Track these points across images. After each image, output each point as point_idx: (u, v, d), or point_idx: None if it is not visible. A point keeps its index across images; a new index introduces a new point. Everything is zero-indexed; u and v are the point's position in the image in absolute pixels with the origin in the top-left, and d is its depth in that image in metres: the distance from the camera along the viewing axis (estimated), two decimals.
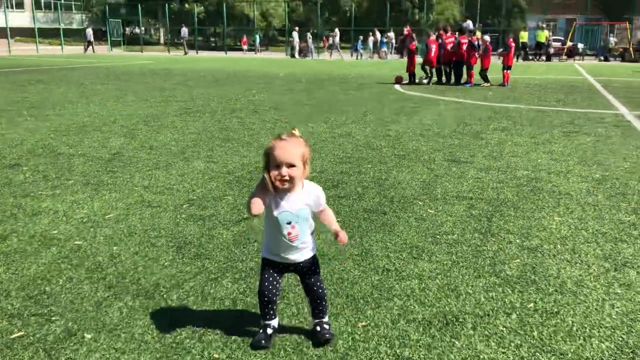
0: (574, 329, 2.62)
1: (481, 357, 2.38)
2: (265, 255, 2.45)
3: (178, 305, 2.80)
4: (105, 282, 3.05)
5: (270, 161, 2.22)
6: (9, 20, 39.00)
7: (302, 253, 2.41)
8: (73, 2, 51.72)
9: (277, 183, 2.22)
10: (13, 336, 2.50)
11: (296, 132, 2.29)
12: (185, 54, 40.17)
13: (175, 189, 4.87)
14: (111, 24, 46.00)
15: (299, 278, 2.53)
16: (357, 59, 35.91)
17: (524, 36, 32.69)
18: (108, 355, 2.36)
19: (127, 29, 52.94)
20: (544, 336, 2.55)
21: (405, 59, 18.20)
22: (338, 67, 24.83)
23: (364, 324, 2.63)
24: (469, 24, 17.63)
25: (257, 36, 47.50)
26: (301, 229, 2.35)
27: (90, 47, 39.41)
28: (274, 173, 2.21)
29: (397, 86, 15.40)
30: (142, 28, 49.77)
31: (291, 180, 2.23)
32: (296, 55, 37.10)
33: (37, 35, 41.24)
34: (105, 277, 3.11)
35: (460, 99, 12.23)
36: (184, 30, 41.98)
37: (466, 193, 4.82)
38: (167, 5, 45.90)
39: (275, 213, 2.29)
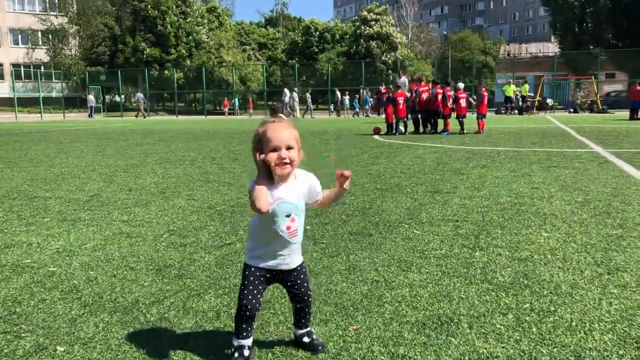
0: (574, 324, 2.52)
1: (480, 352, 2.26)
2: (251, 262, 2.15)
3: (158, 319, 2.64)
4: (81, 301, 2.88)
5: (265, 145, 1.98)
6: None
7: (296, 256, 2.18)
8: (53, 71, 52.24)
9: (277, 168, 1.97)
10: None
11: (282, 116, 2.08)
12: (144, 117, 40.34)
13: (155, 222, 4.74)
14: (91, 91, 46.40)
15: (283, 288, 2.29)
16: (353, 116, 36.20)
17: (509, 90, 33.78)
18: None
19: (107, 96, 53.44)
20: (543, 331, 2.44)
21: (383, 115, 18.56)
22: (315, 124, 25.18)
23: (355, 327, 2.50)
24: (404, 80, 19.10)
25: (236, 100, 48.35)
26: (300, 222, 2.12)
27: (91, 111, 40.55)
28: (272, 156, 1.95)
29: (375, 136, 15.60)
30: (122, 95, 50.25)
31: (292, 164, 1.99)
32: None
33: (16, 104, 41.33)
34: (81, 297, 2.94)
35: (437, 144, 12.39)
36: (139, 95, 42.31)
37: (451, 216, 4.77)
38: (146, 71, 46.63)
39: (273, 204, 2.03)
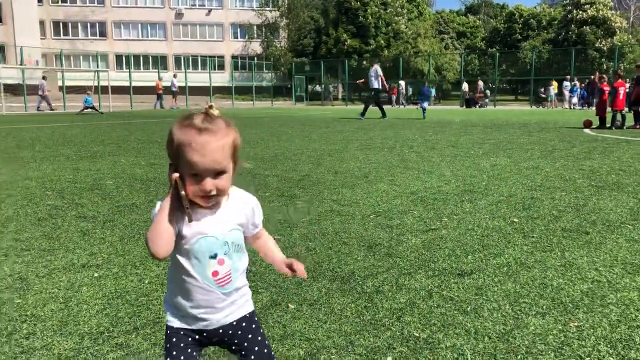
0: None
1: None
2: (171, 322, 1.52)
3: (373, 291, 2.82)
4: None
5: (182, 163, 1.35)
6: (213, 79, 44.28)
7: (235, 307, 1.52)
8: (264, 62, 57.21)
9: (200, 201, 1.39)
10: None
11: (214, 110, 1.42)
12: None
13: (362, 203, 5.00)
14: (296, 80, 49.87)
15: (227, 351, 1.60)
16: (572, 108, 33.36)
17: None
18: (311, 323, 2.45)
19: (309, 86, 57.02)
20: None
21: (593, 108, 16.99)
22: (514, 115, 23.85)
23: (576, 324, 2.39)
24: (375, 69, 18.60)
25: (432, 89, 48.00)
26: (234, 264, 1.48)
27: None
28: (192, 189, 1.36)
29: (586, 130, 14.29)
30: (322, 85, 53.08)
31: (220, 194, 1.39)
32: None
33: (233, 92, 46.22)
34: (304, 263, 3.25)
35: None
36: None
37: None
38: (346, 62, 48.58)
39: (190, 241, 1.41)
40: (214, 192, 1.37)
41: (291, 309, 2.60)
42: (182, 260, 1.44)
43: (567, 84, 33.94)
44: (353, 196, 5.31)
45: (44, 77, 30.26)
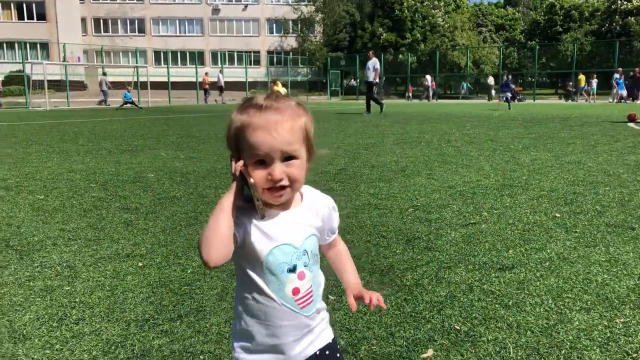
0: None
1: None
2: (241, 357, 1.24)
3: (413, 284, 2.82)
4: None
5: (245, 149, 1.12)
6: (249, 74, 44.66)
7: (317, 333, 1.26)
8: (300, 57, 57.35)
9: (268, 196, 1.13)
10: None
11: (280, 87, 1.15)
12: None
13: (399, 197, 4.98)
14: (331, 75, 49.81)
15: None
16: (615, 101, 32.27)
17: None
18: (351, 314, 2.46)
19: (344, 80, 56.94)
20: None
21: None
22: (554, 109, 23.28)
23: (622, 320, 2.34)
24: (374, 61, 18.13)
25: (465, 84, 47.35)
26: (314, 278, 1.24)
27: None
28: (259, 175, 1.11)
29: (630, 124, 13.84)
30: (358, 80, 52.92)
31: (293, 186, 1.14)
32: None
33: (269, 88, 46.57)
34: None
35: None
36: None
37: None
38: (382, 55, 48.28)
39: (262, 251, 1.16)
40: (285, 182, 1.12)
41: (331, 300, 2.61)
42: (253, 275, 1.17)
43: (617, 76, 32.81)
44: (390, 190, 5.29)
45: (104, 74, 31.08)
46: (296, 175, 1.13)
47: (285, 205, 1.19)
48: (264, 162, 1.11)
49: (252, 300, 1.19)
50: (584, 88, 35.85)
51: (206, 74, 35.95)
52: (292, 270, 1.18)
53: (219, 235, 1.08)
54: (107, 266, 3.12)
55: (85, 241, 3.63)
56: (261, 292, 1.18)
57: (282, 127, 1.10)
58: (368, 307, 1.31)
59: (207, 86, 34.69)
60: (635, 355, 2.06)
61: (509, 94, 22.55)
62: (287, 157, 1.12)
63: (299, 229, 1.20)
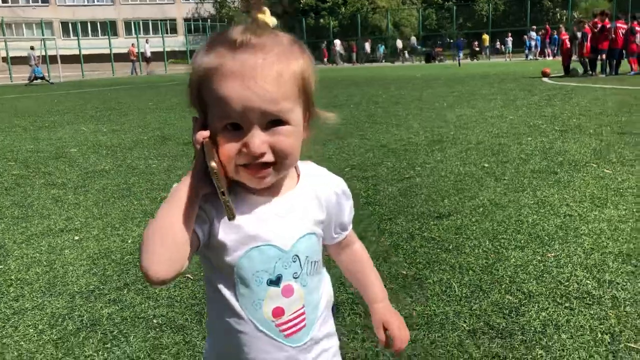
0: None
1: None
2: None
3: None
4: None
5: (212, 109, 0.78)
6: (166, 44, 43.02)
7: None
8: (218, 24, 55.81)
9: (246, 177, 0.80)
10: None
11: (267, 15, 0.83)
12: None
13: (335, 158, 5.03)
14: None
15: None
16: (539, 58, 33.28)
17: None
18: None
19: None
20: None
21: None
22: (474, 68, 24.12)
23: (553, 254, 2.51)
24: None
25: (381, 46, 47.91)
26: (308, 295, 0.89)
27: None
28: (228, 153, 0.77)
29: (545, 79, 14.59)
30: None
31: (280, 162, 0.80)
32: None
33: (188, 57, 45.12)
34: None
35: (617, 86, 11.25)
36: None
37: None
38: (303, 20, 47.87)
39: (233, 252, 0.83)
40: (268, 157, 0.77)
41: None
42: (220, 287, 0.84)
43: (532, 34, 34.19)
44: (326, 152, 5.33)
45: (31, 47, 28.72)
46: (285, 147, 0.78)
47: (272, 190, 0.84)
48: (239, 126, 0.76)
49: (220, 322, 0.86)
50: (488, 47, 37.37)
51: (132, 45, 34.35)
52: (275, 282, 0.83)
53: (168, 239, 0.75)
54: (40, 242, 2.98)
55: (12, 219, 3.44)
56: (231, 311, 0.84)
57: (265, 74, 0.75)
58: (394, 353, 0.98)
59: (134, 58, 33.17)
60: (567, 283, 2.22)
61: (460, 54, 23.44)
62: (273, 122, 0.77)
63: (289, 225, 0.84)
